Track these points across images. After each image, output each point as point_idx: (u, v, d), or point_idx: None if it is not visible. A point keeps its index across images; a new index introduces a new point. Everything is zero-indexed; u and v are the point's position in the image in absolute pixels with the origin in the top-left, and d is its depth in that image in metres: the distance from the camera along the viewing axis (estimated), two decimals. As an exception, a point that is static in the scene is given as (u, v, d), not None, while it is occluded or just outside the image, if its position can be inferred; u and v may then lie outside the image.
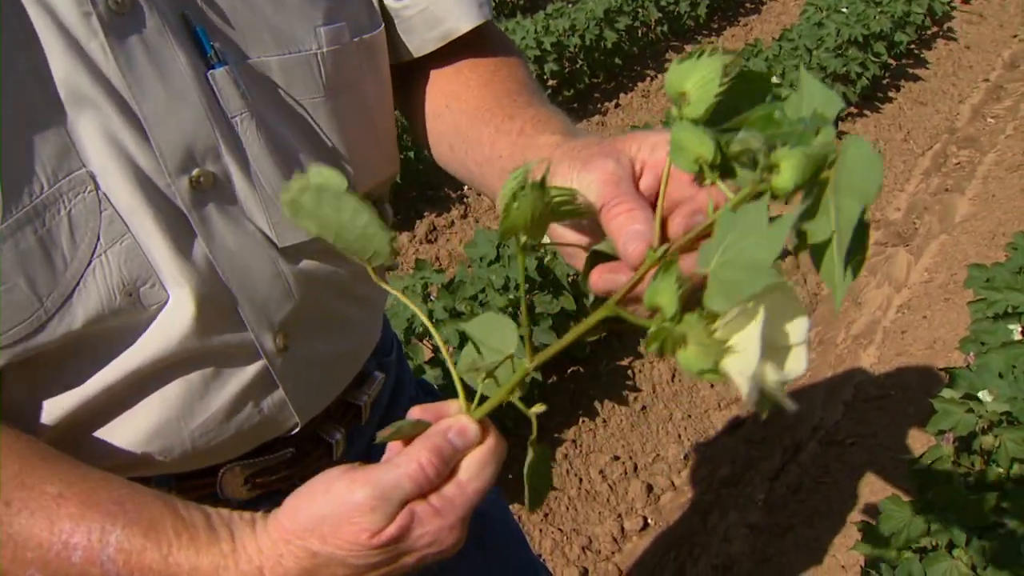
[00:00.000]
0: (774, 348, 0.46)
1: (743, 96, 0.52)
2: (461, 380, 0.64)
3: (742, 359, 0.45)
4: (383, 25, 0.86)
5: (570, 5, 5.37)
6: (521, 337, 0.63)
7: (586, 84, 5.02)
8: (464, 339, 2.27)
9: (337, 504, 0.60)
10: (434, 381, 2.21)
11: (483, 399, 0.62)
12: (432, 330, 0.66)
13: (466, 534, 0.63)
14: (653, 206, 0.58)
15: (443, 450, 0.61)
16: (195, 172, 0.71)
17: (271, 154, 0.75)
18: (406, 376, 1.10)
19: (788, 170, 0.45)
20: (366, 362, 0.96)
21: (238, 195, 0.74)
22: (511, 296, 2.34)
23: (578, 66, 4.96)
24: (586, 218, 0.60)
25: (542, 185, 0.52)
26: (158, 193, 0.70)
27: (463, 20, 0.88)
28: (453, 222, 3.85)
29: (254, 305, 0.77)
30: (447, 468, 0.61)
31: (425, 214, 3.85)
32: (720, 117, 0.52)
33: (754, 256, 0.44)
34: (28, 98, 0.64)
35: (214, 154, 0.72)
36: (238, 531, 0.63)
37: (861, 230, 0.45)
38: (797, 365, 0.47)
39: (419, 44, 0.89)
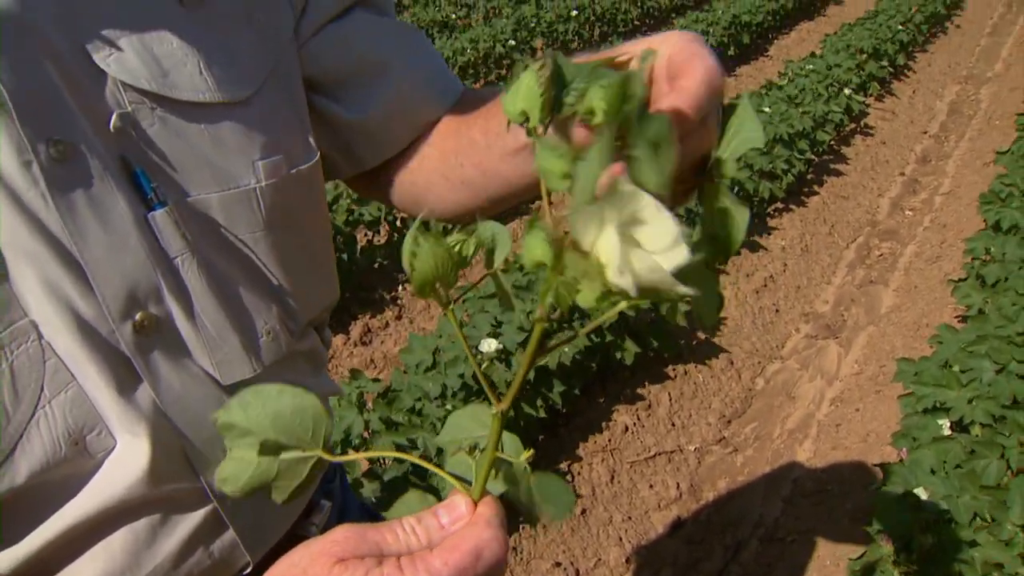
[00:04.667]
0: (657, 251, 0.47)
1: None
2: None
3: (615, 263, 0.46)
4: (318, 155, 0.86)
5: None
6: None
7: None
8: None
9: (317, 542, 0.56)
10: (371, 495, 2.15)
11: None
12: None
13: None
14: None
15: (427, 520, 0.57)
16: (138, 316, 0.69)
17: (213, 292, 0.74)
18: (350, 500, 1.09)
19: (599, 106, 0.48)
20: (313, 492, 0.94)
21: (181, 336, 0.73)
22: (448, 407, 2.31)
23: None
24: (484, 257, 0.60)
25: (431, 231, 0.54)
26: (101, 339, 0.68)
27: (440, 103, 0.91)
28: (388, 323, 3.82)
29: (203, 447, 0.75)
30: (429, 539, 0.57)
31: (359, 316, 3.82)
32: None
33: (587, 174, 0.47)
34: None
35: (156, 296, 0.71)
36: None
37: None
38: (679, 257, 0.47)
39: (387, 147, 0.91)
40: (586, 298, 0.48)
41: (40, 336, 0.65)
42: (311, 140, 0.86)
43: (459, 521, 0.57)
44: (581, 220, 0.46)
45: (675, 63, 0.60)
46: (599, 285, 0.47)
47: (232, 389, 0.77)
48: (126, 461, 0.70)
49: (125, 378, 0.69)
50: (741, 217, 0.54)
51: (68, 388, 0.67)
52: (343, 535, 0.56)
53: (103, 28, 0.69)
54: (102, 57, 0.69)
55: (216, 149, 0.75)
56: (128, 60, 0.70)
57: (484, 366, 2.63)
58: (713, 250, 0.55)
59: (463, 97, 0.94)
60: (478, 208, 0.91)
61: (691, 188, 0.56)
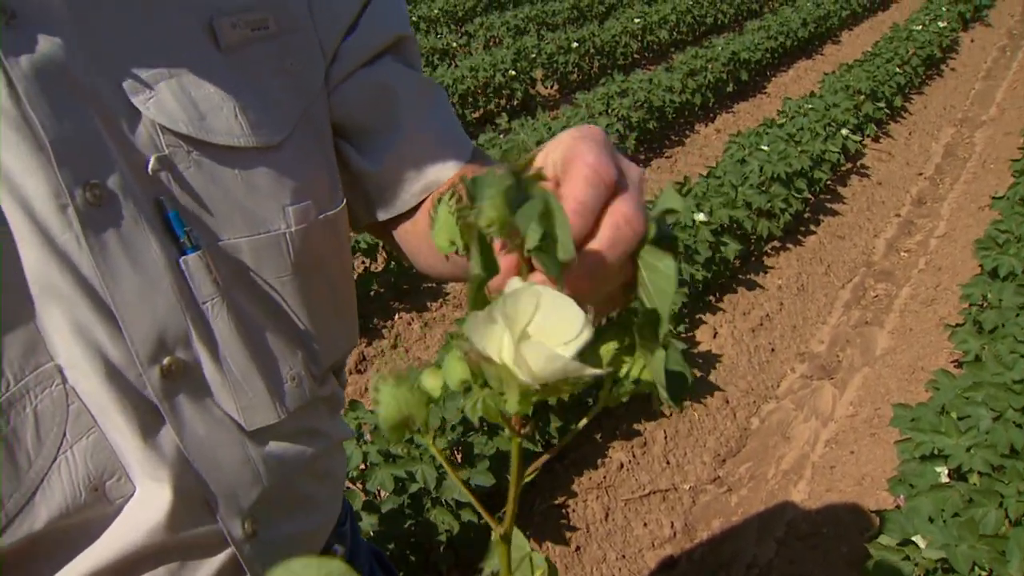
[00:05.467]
0: (566, 340, 0.46)
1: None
2: None
3: (511, 361, 0.46)
4: (344, 201, 0.86)
5: (502, 136, 5.50)
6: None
7: (517, 212, 5.10)
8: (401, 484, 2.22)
9: None
10: (369, 528, 2.14)
11: None
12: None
13: None
14: None
15: None
16: (166, 361, 0.69)
17: (240, 337, 0.74)
18: (359, 543, 1.08)
19: (492, 216, 0.47)
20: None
21: (207, 381, 0.73)
22: (448, 438, 2.30)
23: (510, 195, 5.04)
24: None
25: (393, 372, 0.53)
26: (128, 384, 0.67)
27: (444, 169, 0.88)
28: (383, 351, 3.81)
29: (224, 492, 0.74)
30: None
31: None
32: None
33: (472, 284, 0.47)
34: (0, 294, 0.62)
35: (185, 341, 0.70)
36: None
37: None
38: (581, 342, 0.46)
39: (397, 203, 0.89)
40: (512, 404, 0.47)
41: (64, 380, 0.65)
42: (339, 186, 0.86)
43: None
44: (474, 329, 0.46)
45: (559, 168, 0.55)
46: (516, 388, 0.46)
47: (256, 435, 0.76)
48: (146, 507, 0.69)
49: (149, 423, 0.69)
50: (666, 267, 0.51)
51: (90, 433, 0.66)
52: None
53: (142, 72, 0.69)
54: (141, 100, 0.69)
55: (249, 194, 0.75)
56: (166, 103, 0.70)
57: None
58: (647, 321, 0.52)
59: (471, 160, 0.93)
60: (463, 279, 0.90)
61: (630, 283, 0.54)
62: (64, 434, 0.65)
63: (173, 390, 0.70)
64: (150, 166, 0.69)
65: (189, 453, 0.71)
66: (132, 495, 0.69)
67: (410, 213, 0.91)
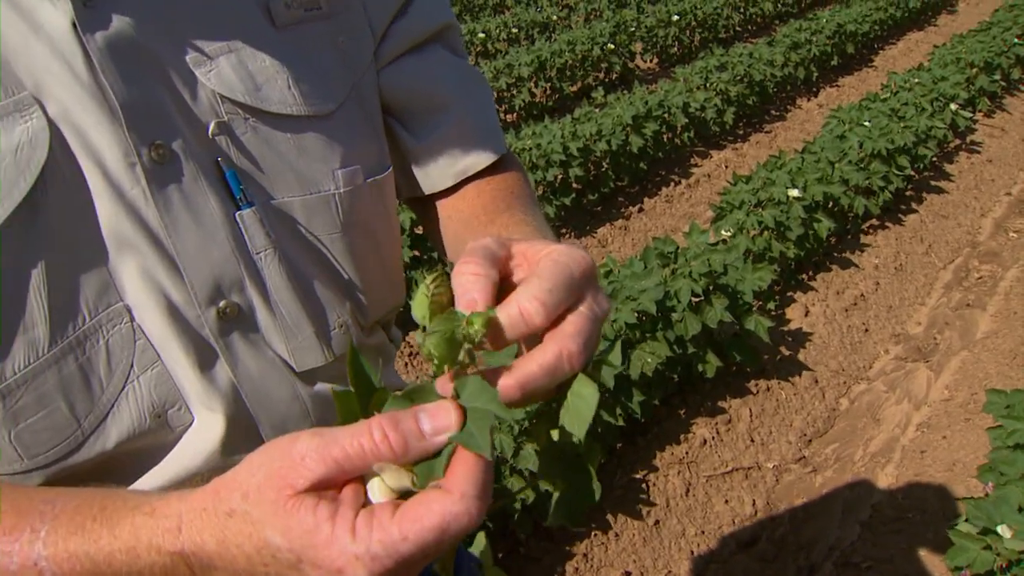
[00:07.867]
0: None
1: None
2: None
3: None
4: (391, 168, 0.93)
5: (597, 110, 5.48)
6: None
7: (611, 188, 5.10)
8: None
9: (273, 454, 0.54)
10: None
11: None
12: None
13: None
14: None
15: (406, 425, 0.53)
16: (222, 303, 0.77)
17: (291, 285, 0.82)
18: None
19: (433, 354, 0.54)
20: None
21: (260, 324, 0.80)
22: (527, 409, 2.35)
23: (603, 170, 5.04)
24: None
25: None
26: (187, 324, 0.76)
27: (480, 158, 0.96)
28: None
29: (274, 425, 0.82)
30: (405, 450, 0.53)
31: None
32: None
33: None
34: (77, 241, 0.71)
35: (239, 287, 0.78)
36: (166, 498, 0.59)
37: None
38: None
39: (436, 181, 0.97)
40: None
41: (132, 318, 0.74)
42: (386, 153, 0.93)
43: (442, 433, 0.53)
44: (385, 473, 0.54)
45: (529, 257, 0.62)
46: None
47: (304, 376, 0.84)
48: (203, 435, 0.78)
49: (206, 359, 0.77)
50: (590, 395, 0.59)
51: (154, 366, 0.75)
52: (304, 452, 0.54)
53: (204, 46, 0.78)
54: (203, 72, 0.77)
55: (300, 157, 0.83)
56: (226, 75, 0.78)
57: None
58: (568, 435, 0.60)
59: (504, 159, 0.99)
60: None
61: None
62: (132, 365, 0.74)
63: (227, 330, 0.78)
64: (210, 130, 0.77)
65: (242, 388, 0.79)
66: (191, 424, 0.78)
67: (448, 192, 0.98)
